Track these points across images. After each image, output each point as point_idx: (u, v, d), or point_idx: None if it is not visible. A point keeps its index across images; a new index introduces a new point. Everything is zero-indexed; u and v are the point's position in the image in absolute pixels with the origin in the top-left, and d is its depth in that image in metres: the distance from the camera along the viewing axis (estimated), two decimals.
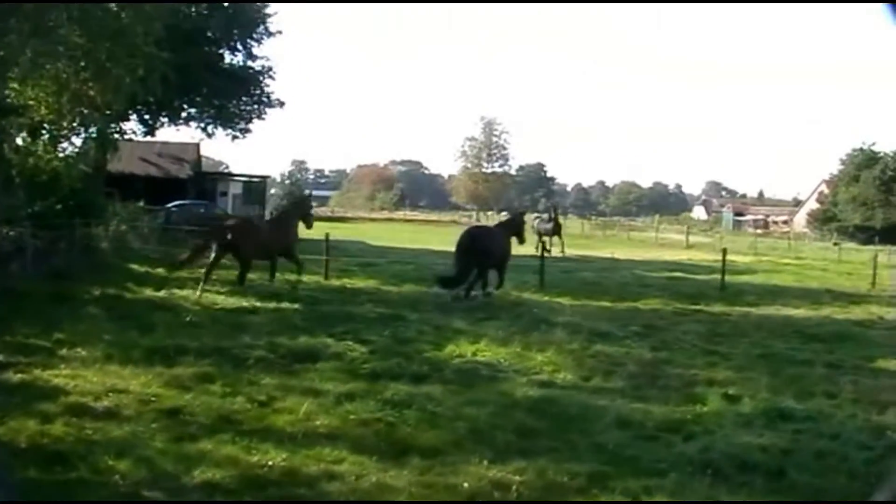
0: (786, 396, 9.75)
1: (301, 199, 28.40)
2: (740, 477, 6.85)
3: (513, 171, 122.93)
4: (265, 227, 21.03)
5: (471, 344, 12.15)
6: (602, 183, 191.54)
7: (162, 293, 16.33)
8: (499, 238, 19.18)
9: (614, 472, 6.78)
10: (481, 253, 17.87)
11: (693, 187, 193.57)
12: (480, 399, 9.08)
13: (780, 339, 14.52)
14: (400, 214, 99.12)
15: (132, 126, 36.47)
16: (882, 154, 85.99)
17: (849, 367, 12.05)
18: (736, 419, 8.75)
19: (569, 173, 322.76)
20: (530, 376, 10.48)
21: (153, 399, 8.40)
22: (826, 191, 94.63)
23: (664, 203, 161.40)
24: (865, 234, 74.39)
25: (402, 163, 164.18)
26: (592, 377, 10.59)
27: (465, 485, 6.45)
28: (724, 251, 25.94)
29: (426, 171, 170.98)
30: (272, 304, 15.69)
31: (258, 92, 40.55)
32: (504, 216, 34.66)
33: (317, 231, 21.49)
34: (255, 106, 40.92)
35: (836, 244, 54.19)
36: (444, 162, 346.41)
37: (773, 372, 11.29)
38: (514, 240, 19.75)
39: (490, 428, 7.97)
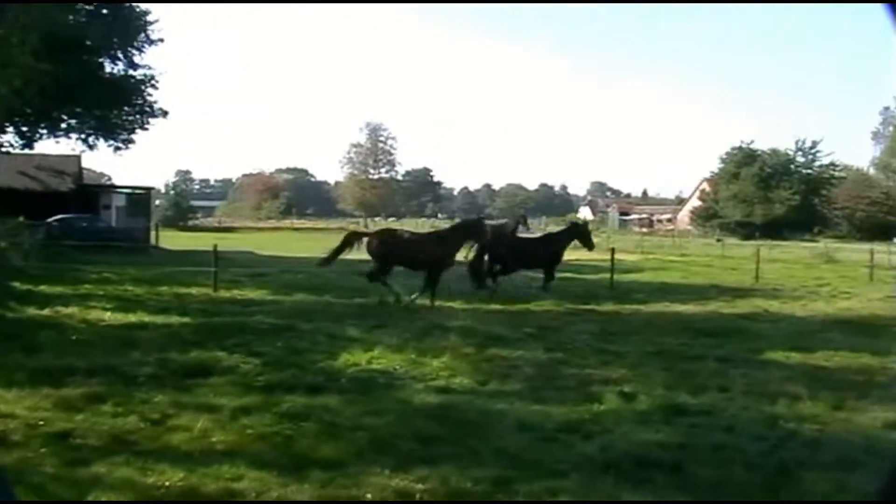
0: (680, 392, 10.10)
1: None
2: (641, 474, 7.02)
3: (399, 177, 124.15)
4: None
5: (365, 352, 12.17)
6: (488, 186, 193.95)
7: (46, 311, 15.78)
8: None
9: (517, 476, 6.87)
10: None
11: (578, 188, 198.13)
12: (379, 408, 9.10)
13: (671, 336, 14.99)
14: (287, 223, 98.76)
15: (9, 139, 35.87)
16: (760, 152, 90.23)
17: (739, 360, 12.57)
18: (633, 416, 8.99)
19: (455, 177, 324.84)
20: (427, 382, 10.54)
21: (41, 423, 8.11)
22: (708, 188, 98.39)
23: (550, 205, 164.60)
24: (746, 230, 77.84)
25: (288, 170, 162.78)
26: (489, 381, 10.72)
27: (368, 496, 6.45)
28: (612, 250, 26.74)
29: (312, 179, 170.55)
30: (161, 319, 15.41)
31: (140, 101, 40.08)
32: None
33: (204, 242, 21.11)
34: (138, 116, 40.44)
35: (718, 240, 56.54)
36: (331, 169, 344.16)
37: (666, 368, 11.69)
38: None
39: (390, 437, 7.98)
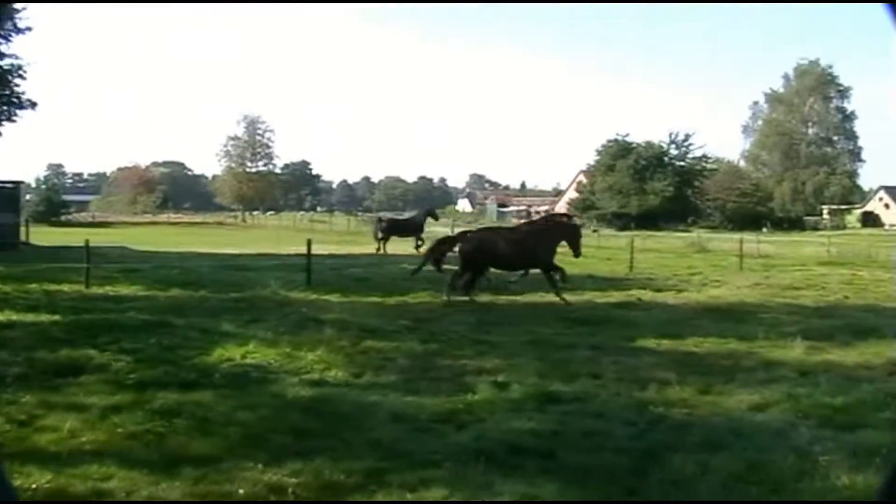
0: (553, 380, 10.32)
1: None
2: (513, 461, 7.14)
3: (278, 170, 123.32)
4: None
5: (239, 347, 12.01)
6: (367, 179, 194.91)
7: None
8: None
9: (391, 467, 6.91)
10: None
11: (457, 180, 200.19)
12: (252, 402, 9.02)
13: (546, 325, 15.27)
14: (163, 217, 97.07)
15: None
16: (635, 144, 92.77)
17: (611, 348, 12.92)
18: (506, 405, 9.13)
19: (334, 170, 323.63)
20: (301, 376, 10.52)
21: None
22: (584, 180, 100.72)
23: (430, 197, 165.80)
24: (622, 221, 79.91)
25: (165, 164, 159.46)
26: (364, 373, 10.73)
27: (241, 491, 6.40)
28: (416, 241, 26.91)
29: (190, 172, 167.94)
30: (30, 318, 14.82)
31: (7, 92, 38.74)
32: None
33: (77, 238, 20.45)
34: (4, 107, 39.13)
35: (594, 231, 57.77)
36: (208, 162, 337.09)
37: (540, 357, 11.91)
38: None
39: (264, 431, 7.93)
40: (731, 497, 6.41)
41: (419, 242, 37.65)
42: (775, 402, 9.32)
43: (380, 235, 38.69)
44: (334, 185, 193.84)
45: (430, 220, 42.67)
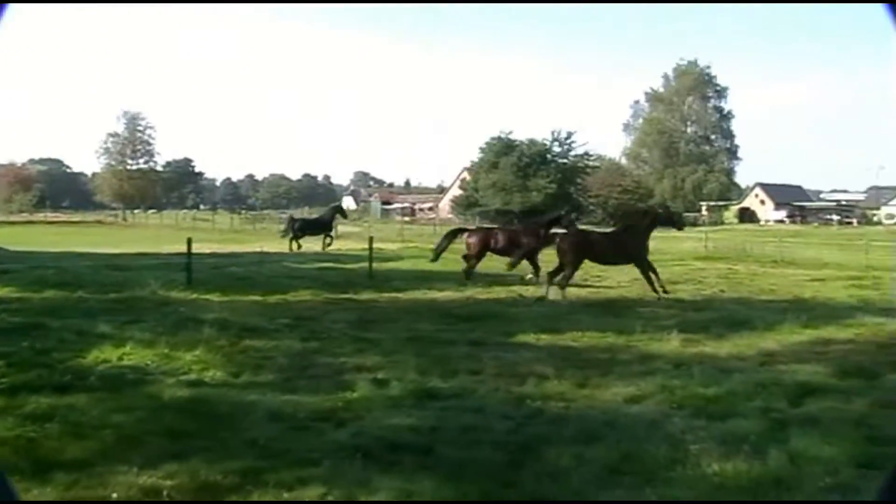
0: (432, 376, 10.37)
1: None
2: (390, 457, 7.15)
3: (159, 168, 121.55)
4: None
5: (116, 348, 11.72)
6: (251, 176, 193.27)
7: None
8: None
9: (268, 466, 6.86)
10: None
11: (342, 178, 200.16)
12: (128, 405, 8.82)
13: (427, 322, 15.38)
14: (40, 216, 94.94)
15: None
16: (518, 142, 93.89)
17: (491, 343, 13.09)
18: (385, 402, 9.16)
19: (217, 168, 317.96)
20: (179, 377, 10.35)
21: None
22: (468, 177, 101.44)
23: (314, 195, 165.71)
24: (505, 217, 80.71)
25: (42, 161, 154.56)
26: (242, 373, 10.62)
27: (115, 495, 6.25)
28: (371, 239, 27.19)
29: (68, 170, 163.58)
30: None
31: None
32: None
33: None
34: None
35: None
36: (88, 159, 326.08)
37: (420, 354, 11.93)
38: None
39: (139, 434, 7.76)
40: (604, 487, 6.54)
41: (328, 240, 39.58)
42: (650, 393, 9.58)
43: (291, 234, 39.91)
44: (218, 183, 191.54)
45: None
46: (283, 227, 43.43)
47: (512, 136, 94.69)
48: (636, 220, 23.41)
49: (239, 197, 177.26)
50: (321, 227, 41.44)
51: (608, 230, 23.44)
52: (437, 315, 16.36)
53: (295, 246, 38.82)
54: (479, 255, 24.54)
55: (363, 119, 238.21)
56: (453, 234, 25.86)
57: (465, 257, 24.68)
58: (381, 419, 8.47)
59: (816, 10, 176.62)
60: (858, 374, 10.81)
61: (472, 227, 27.75)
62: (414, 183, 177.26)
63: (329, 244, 39.57)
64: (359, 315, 16.28)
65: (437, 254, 25.57)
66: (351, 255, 32.26)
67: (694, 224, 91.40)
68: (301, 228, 40.92)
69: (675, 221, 23.78)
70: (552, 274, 20.44)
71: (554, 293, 19.72)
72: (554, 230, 23.81)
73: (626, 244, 21.03)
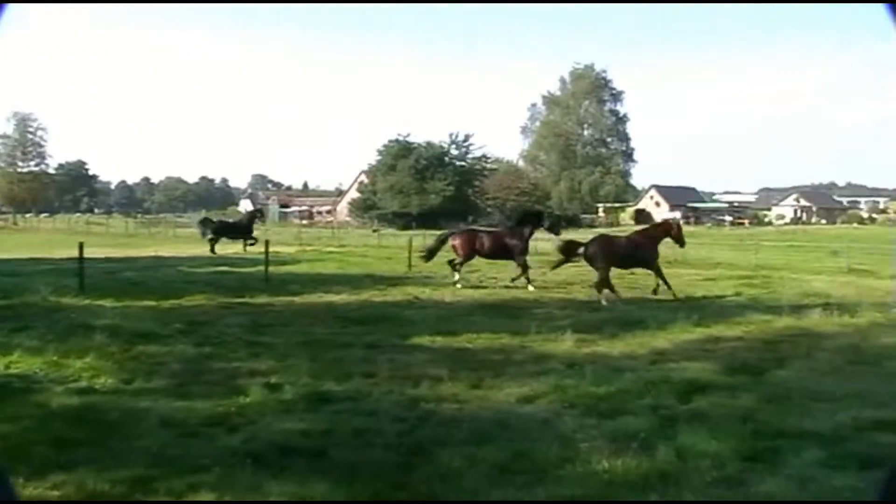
0: (326, 380, 10.35)
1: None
2: (283, 461, 7.12)
3: (51, 170, 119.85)
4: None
5: (3, 356, 11.42)
6: (147, 179, 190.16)
7: None
8: None
9: (158, 474, 6.76)
10: None
11: (240, 181, 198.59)
12: (14, 414, 8.60)
13: (322, 326, 15.34)
14: None
15: None
16: (416, 144, 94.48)
17: (386, 346, 13.12)
18: (278, 406, 9.10)
19: (112, 170, 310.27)
20: (68, 384, 10.10)
21: None
22: (366, 180, 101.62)
23: (211, 198, 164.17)
24: (403, 220, 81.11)
25: None
26: (134, 379, 10.42)
27: None
28: (267, 243, 27.00)
29: None
30: None
31: None
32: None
33: None
34: None
35: (375, 231, 58.43)
36: None
37: (314, 357, 11.88)
38: None
39: (26, 443, 7.53)
40: (496, 487, 6.60)
41: (250, 243, 39.57)
42: (543, 393, 9.70)
43: (209, 237, 40.20)
44: (113, 186, 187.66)
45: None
46: (200, 229, 43.42)
47: (410, 139, 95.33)
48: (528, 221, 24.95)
49: (134, 200, 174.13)
50: (241, 230, 41.63)
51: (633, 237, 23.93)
52: (333, 318, 16.32)
53: (211, 249, 38.91)
54: (468, 258, 24.85)
55: (261, 120, 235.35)
56: (444, 239, 26.12)
57: (451, 262, 24.93)
58: (274, 424, 8.42)
59: (714, 11, 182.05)
60: (746, 371, 11.15)
61: (458, 230, 27.97)
62: (312, 185, 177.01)
63: (252, 244, 39.38)
64: (254, 319, 16.13)
65: (430, 255, 25.86)
66: (248, 258, 31.98)
67: (591, 226, 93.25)
68: (219, 231, 41.13)
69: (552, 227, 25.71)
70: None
71: (451, 294, 19.87)
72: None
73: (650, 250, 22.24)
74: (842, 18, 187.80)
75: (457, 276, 23.60)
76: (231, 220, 48.39)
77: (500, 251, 24.79)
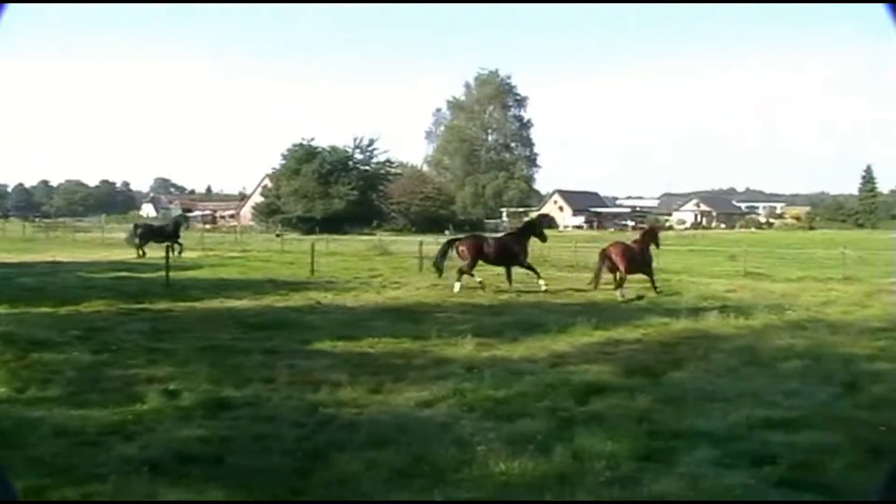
0: (226, 386, 10.30)
1: None
2: (180, 469, 7.05)
3: None
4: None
5: None
6: (46, 183, 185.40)
7: None
8: None
9: (52, 484, 6.66)
10: None
11: (141, 185, 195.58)
12: None
13: (223, 331, 15.20)
14: None
15: None
16: (320, 149, 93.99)
17: (287, 351, 13.07)
18: (176, 413, 9.02)
19: (9, 174, 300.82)
20: None
21: None
22: (270, 184, 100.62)
23: (112, 202, 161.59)
24: (308, 225, 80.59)
25: None
26: (28, 388, 10.17)
27: None
28: (168, 248, 26.55)
29: None
30: None
31: None
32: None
33: None
34: None
35: (278, 235, 57.83)
36: None
37: (214, 363, 11.79)
38: None
39: None
40: (393, 490, 6.64)
41: (178, 248, 39.36)
42: (443, 397, 9.80)
43: (136, 241, 40.21)
44: (9, 189, 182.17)
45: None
46: (130, 235, 43.12)
47: (314, 143, 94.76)
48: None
49: (32, 204, 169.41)
50: (167, 235, 41.13)
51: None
52: (234, 324, 16.20)
53: (140, 253, 39.08)
54: (474, 263, 25.20)
55: (163, 123, 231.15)
56: (449, 245, 26.76)
57: (459, 270, 24.98)
58: (172, 431, 8.33)
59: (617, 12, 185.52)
60: (643, 373, 11.42)
61: (463, 236, 29.65)
62: (215, 189, 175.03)
63: (180, 252, 39.19)
64: (153, 325, 15.94)
65: (439, 268, 25.87)
66: (148, 263, 31.37)
67: (495, 230, 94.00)
68: (144, 235, 41.03)
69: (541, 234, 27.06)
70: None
71: (353, 299, 19.90)
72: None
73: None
74: (727, 24, 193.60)
75: (457, 287, 23.64)
76: (157, 225, 47.82)
77: (505, 256, 25.42)
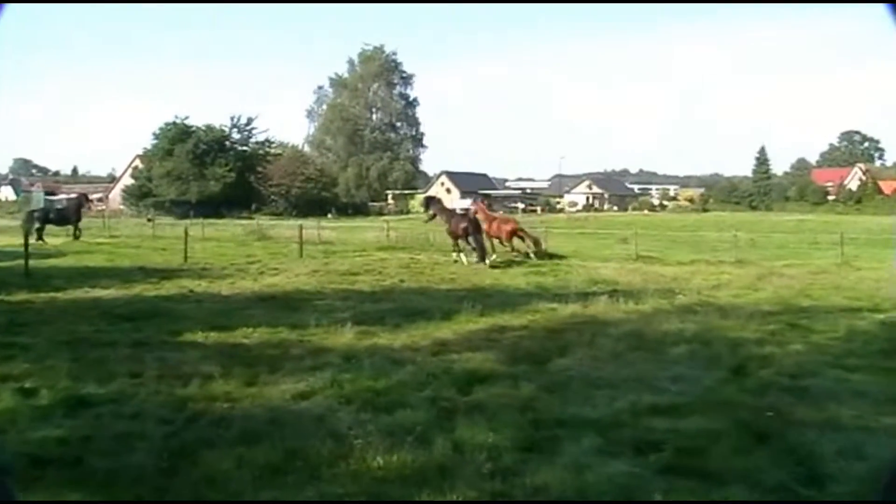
0: (88, 382, 9.99)
1: None
2: (35, 473, 6.85)
3: None
4: None
5: None
6: None
7: None
8: None
9: None
10: None
11: (0, 166, 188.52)
12: None
13: (87, 323, 14.79)
14: None
15: None
16: (195, 128, 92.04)
17: (156, 343, 12.79)
18: (32, 413, 8.73)
19: None
20: None
21: None
22: (141, 165, 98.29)
23: None
24: (182, 208, 78.97)
25: None
26: None
27: None
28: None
29: None
30: None
31: None
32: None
33: None
34: None
35: (150, 220, 56.55)
36: None
37: (75, 358, 11.48)
38: None
39: None
40: (265, 488, 6.58)
41: (78, 233, 39.51)
42: (320, 388, 9.73)
43: (38, 226, 38.65)
44: None
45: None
46: (27, 220, 41.02)
47: (188, 122, 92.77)
48: None
49: None
50: (67, 217, 40.80)
51: None
52: (99, 315, 15.78)
53: (39, 239, 37.20)
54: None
55: (24, 99, 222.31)
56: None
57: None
58: (27, 432, 8.08)
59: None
60: (528, 360, 11.57)
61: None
62: (82, 171, 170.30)
63: (79, 237, 38.85)
64: (10, 318, 15.38)
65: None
66: (6, 251, 30.21)
67: (380, 213, 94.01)
68: (44, 219, 39.82)
69: None
70: None
71: (228, 287, 19.73)
72: None
73: None
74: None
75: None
76: (57, 207, 45.85)
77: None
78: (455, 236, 29.26)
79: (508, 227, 30.53)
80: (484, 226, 29.58)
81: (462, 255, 28.24)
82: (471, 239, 28.24)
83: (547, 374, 10.77)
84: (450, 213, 31.80)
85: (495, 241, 30.12)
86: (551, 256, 29.90)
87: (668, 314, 16.27)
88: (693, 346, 12.68)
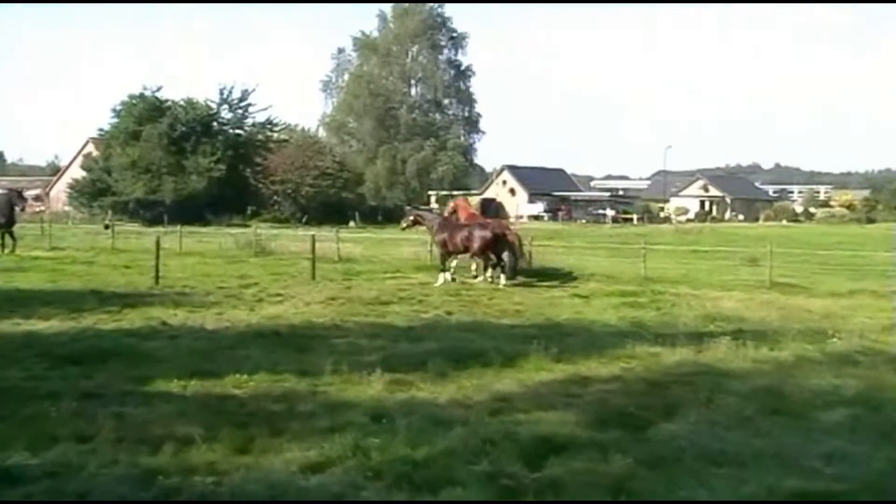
0: (16, 449, 9.99)
1: None
2: None
3: None
4: None
5: None
6: None
7: None
8: None
9: None
10: None
11: None
12: None
13: (17, 367, 14.90)
14: None
15: None
16: (171, 103, 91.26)
17: (114, 395, 12.81)
18: None
19: None
20: None
21: None
22: (95, 153, 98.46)
23: None
24: (152, 212, 79.48)
25: None
26: None
27: None
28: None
29: None
30: None
31: None
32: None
33: None
34: None
35: (107, 226, 56.78)
36: None
37: (2, 416, 11.53)
38: None
39: None
40: None
41: (9, 249, 41.25)
42: (338, 458, 9.71)
43: None
44: None
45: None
46: None
47: (161, 95, 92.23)
48: None
49: None
50: None
51: None
52: (35, 356, 15.82)
53: None
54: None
55: None
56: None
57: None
58: None
59: None
60: (621, 424, 11.49)
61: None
62: (12, 159, 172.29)
63: (13, 249, 40.92)
64: None
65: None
66: None
67: None
68: None
69: None
70: None
71: (214, 319, 19.82)
72: None
73: None
74: None
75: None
76: None
77: None
78: (453, 252, 30.23)
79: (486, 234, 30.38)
80: (443, 234, 30.55)
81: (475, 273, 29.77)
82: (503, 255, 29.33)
83: (647, 444, 10.68)
84: (445, 220, 32.42)
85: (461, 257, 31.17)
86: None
87: (818, 365, 16.07)
88: (855, 410, 12.45)
